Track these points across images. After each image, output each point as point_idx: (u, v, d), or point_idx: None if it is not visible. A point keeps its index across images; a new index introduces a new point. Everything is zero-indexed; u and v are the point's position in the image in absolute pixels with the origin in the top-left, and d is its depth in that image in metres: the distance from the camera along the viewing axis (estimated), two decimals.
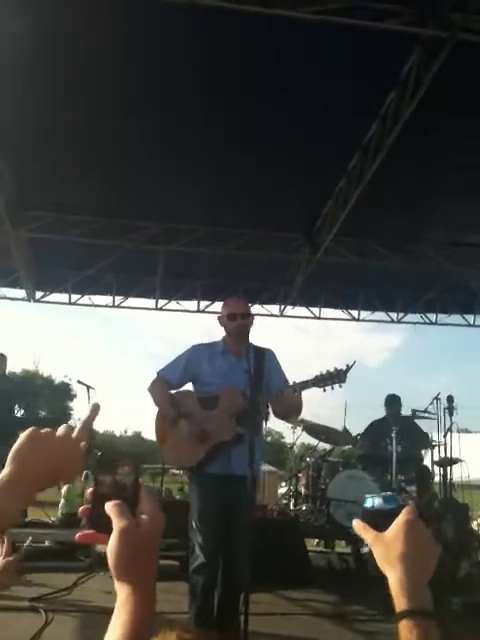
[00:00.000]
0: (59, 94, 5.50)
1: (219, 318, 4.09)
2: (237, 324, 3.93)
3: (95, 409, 1.15)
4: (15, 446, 1.04)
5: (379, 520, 1.22)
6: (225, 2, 4.25)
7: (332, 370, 3.61)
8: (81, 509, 1.03)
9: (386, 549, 1.06)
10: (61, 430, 1.08)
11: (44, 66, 5.15)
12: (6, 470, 1.01)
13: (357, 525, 1.15)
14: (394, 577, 1.02)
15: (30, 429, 1.06)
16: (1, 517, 0.99)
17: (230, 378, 3.86)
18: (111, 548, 0.92)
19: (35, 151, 6.35)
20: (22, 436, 1.05)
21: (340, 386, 3.61)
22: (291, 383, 3.75)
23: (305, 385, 3.67)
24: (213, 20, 4.52)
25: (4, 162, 6.39)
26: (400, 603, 0.99)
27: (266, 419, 4.00)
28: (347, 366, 3.63)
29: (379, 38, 4.59)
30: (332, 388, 3.62)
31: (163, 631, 0.97)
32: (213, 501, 3.76)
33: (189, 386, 4.10)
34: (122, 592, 0.92)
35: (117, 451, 1.02)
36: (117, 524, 0.92)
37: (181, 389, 4.04)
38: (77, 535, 1.02)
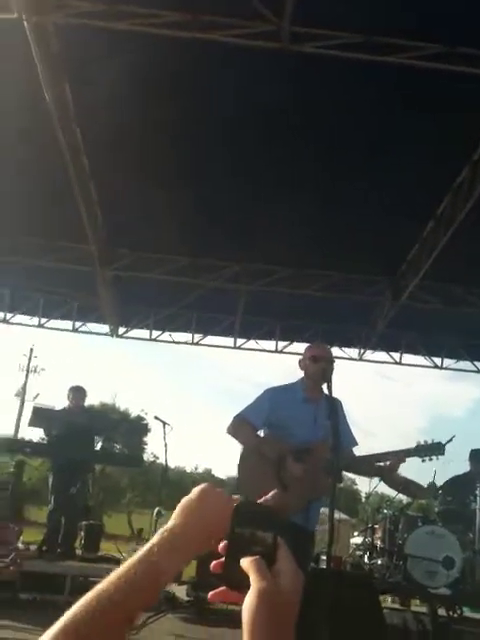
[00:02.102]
0: (147, 138, 5.70)
1: (300, 361, 4.04)
2: (320, 368, 3.86)
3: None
4: (183, 501, 1.00)
5: None
6: (322, 49, 4.29)
7: (431, 442, 3.75)
8: (213, 564, 0.95)
9: None
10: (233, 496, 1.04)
11: (133, 113, 5.38)
12: (170, 524, 0.97)
13: None
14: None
15: (204, 485, 1.03)
16: (159, 573, 0.93)
17: (312, 429, 3.81)
18: (248, 609, 0.83)
19: (125, 192, 6.56)
20: (194, 491, 1.02)
21: (437, 458, 3.75)
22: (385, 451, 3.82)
23: (407, 454, 3.75)
24: (314, 70, 4.60)
25: (97, 203, 6.62)
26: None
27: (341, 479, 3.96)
28: (447, 440, 3.86)
29: (474, 81, 4.51)
30: (430, 459, 3.75)
31: None
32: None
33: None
34: None
35: (255, 503, 0.98)
36: (255, 583, 0.85)
37: (272, 435, 3.92)
38: (209, 594, 0.94)
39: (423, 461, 3.79)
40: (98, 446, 8.98)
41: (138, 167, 6.12)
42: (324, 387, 3.82)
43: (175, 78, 4.94)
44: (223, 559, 0.91)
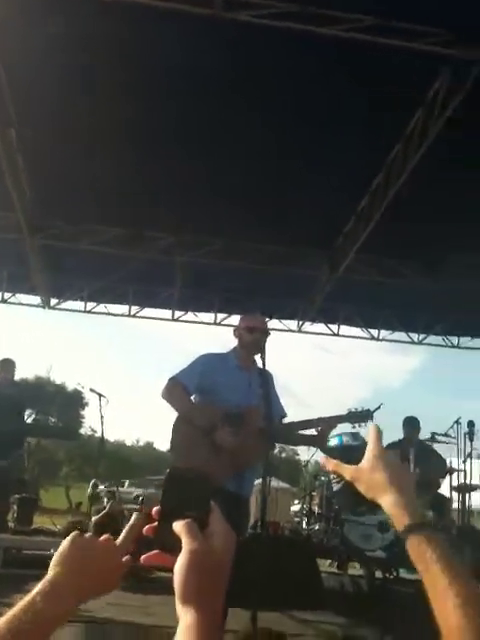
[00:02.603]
0: (78, 105, 5.52)
1: (235, 330, 4.05)
2: (254, 338, 3.86)
3: (141, 519, 1.12)
4: (60, 550, 1.02)
5: (346, 456, 1.28)
6: (254, 18, 4.22)
7: (361, 409, 3.88)
8: (146, 528, 0.97)
9: (370, 478, 1.11)
10: (103, 539, 1.06)
11: (63, 81, 5.18)
12: (50, 574, 0.99)
13: (329, 462, 1.21)
14: (389, 500, 1.06)
15: (73, 534, 1.04)
16: (44, 621, 0.95)
17: (247, 395, 3.80)
18: (179, 570, 0.86)
19: (53, 160, 6.35)
20: (66, 541, 1.03)
21: (366, 425, 3.87)
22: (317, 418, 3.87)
23: (338, 421, 3.88)
24: (236, 36, 4.51)
25: (24, 171, 6.39)
26: (402, 521, 1.02)
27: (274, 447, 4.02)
28: (376, 408, 3.95)
29: (406, 57, 4.53)
30: (360, 426, 3.90)
31: None
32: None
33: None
34: (187, 616, 0.84)
35: (186, 468, 0.97)
36: (187, 545, 0.87)
37: (206, 401, 3.89)
38: (142, 557, 0.95)
39: (354, 427, 3.93)
40: (31, 419, 8.82)
41: (71, 136, 5.93)
42: (257, 358, 3.84)
43: (105, 45, 4.75)
44: (156, 523, 0.93)
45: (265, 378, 3.76)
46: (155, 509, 0.95)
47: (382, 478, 1.09)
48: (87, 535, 1.05)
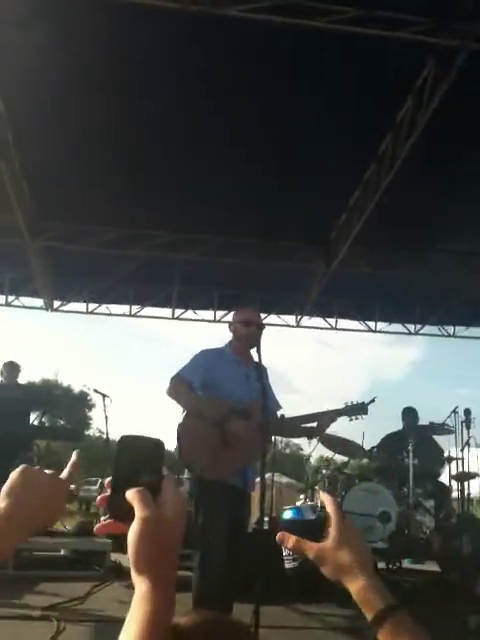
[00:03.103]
0: (78, 108, 5.59)
1: (231, 324, 4.10)
2: (250, 331, 3.90)
3: (77, 456, 1.13)
4: (8, 482, 1.01)
5: (304, 532, 1.15)
6: (240, 12, 4.28)
7: (356, 402, 4.04)
8: (99, 498, 0.99)
9: (335, 559, 1.04)
10: (50, 472, 1.05)
11: (59, 83, 5.24)
12: (1, 505, 0.98)
13: (289, 539, 1.10)
14: (359, 584, 1.00)
15: (22, 466, 1.04)
16: None
17: (247, 389, 3.85)
18: (131, 538, 0.86)
19: (52, 162, 6.42)
20: (14, 472, 1.02)
21: (362, 417, 4.04)
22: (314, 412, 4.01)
23: (336, 414, 4.00)
24: (225, 32, 4.57)
25: (22, 173, 6.47)
26: (376, 605, 0.98)
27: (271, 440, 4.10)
28: (370, 401, 4.10)
29: (394, 48, 4.59)
30: (356, 419, 4.04)
31: None
32: (228, 512, 3.70)
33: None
34: (141, 586, 0.86)
35: (138, 437, 0.95)
36: (139, 513, 0.87)
37: (211, 395, 3.91)
38: (95, 527, 0.99)
39: (351, 420, 4.04)
40: (38, 422, 8.87)
41: (66, 137, 5.99)
42: (253, 352, 3.88)
43: (100, 45, 4.81)
44: (108, 493, 0.93)
45: (260, 372, 3.79)
46: (108, 479, 0.95)
47: (348, 559, 1.03)
48: (35, 468, 1.04)
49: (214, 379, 3.89)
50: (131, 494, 0.89)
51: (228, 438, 3.72)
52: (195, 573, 3.69)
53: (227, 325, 4.19)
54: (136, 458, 0.92)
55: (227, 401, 3.81)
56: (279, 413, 4.10)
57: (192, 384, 3.88)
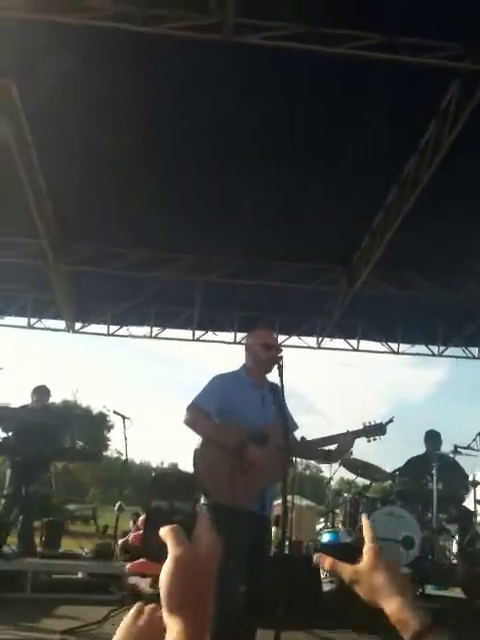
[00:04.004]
0: (101, 131, 5.67)
1: (250, 346, 4.02)
2: (272, 355, 3.84)
3: None
4: (125, 620, 1.01)
5: (341, 554, 1.21)
6: (261, 40, 4.33)
7: (374, 422, 4.01)
8: (132, 536, 0.98)
9: (370, 581, 1.07)
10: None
11: (83, 111, 5.36)
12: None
13: (326, 561, 1.14)
14: (395, 605, 1.02)
15: (136, 606, 1.03)
16: None
17: (262, 412, 3.84)
18: (165, 577, 0.84)
19: (76, 186, 6.52)
20: (130, 613, 1.02)
21: (380, 438, 4.03)
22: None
23: (355, 436, 3.97)
24: (251, 57, 4.62)
25: (47, 197, 6.56)
26: (411, 626, 0.99)
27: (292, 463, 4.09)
28: (388, 421, 4.09)
29: (418, 72, 4.62)
30: (374, 439, 4.03)
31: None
32: (245, 537, 3.64)
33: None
34: (173, 627, 0.83)
35: (171, 473, 0.94)
36: (172, 551, 0.85)
37: (228, 422, 3.86)
38: (128, 565, 0.97)
39: (369, 442, 4.03)
40: (64, 444, 8.90)
41: (90, 161, 6.08)
42: (270, 375, 3.87)
43: (124, 69, 4.89)
44: (142, 531, 0.91)
45: (276, 393, 3.77)
46: (141, 518, 0.93)
47: (383, 580, 1.05)
48: (148, 607, 1.02)
49: (230, 405, 3.84)
50: (164, 532, 0.87)
51: (245, 466, 3.69)
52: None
53: (244, 349, 4.11)
54: (169, 495, 0.91)
55: (244, 427, 3.77)
56: (296, 433, 4.05)
57: (209, 412, 3.83)
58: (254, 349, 3.97)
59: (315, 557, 1.14)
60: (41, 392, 7.59)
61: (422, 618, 1.00)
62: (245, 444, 3.70)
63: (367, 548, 1.10)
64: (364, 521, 1.19)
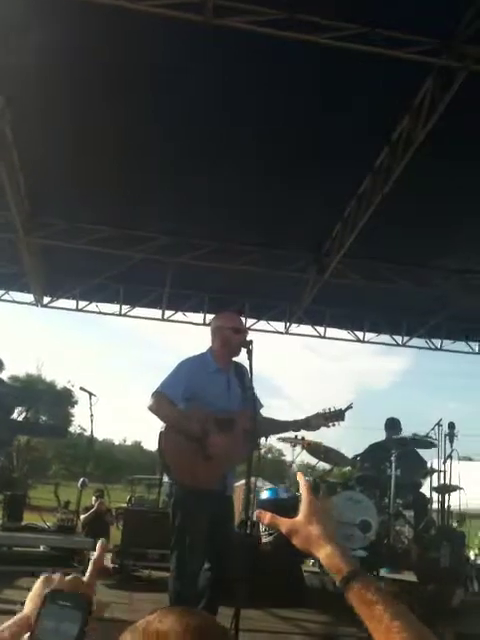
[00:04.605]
0: (74, 107, 5.62)
1: (219, 329, 4.04)
2: (242, 338, 3.90)
3: (103, 547, 1.13)
4: (33, 589, 1.03)
5: (278, 510, 1.30)
6: (241, 23, 4.34)
7: (334, 409, 4.10)
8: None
9: (306, 532, 1.16)
10: (70, 578, 1.05)
11: (59, 85, 5.29)
12: (24, 609, 1.00)
13: (265, 515, 1.25)
14: (326, 552, 1.12)
15: (43, 576, 1.05)
16: None
17: (227, 398, 3.92)
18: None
19: (50, 160, 6.44)
20: (37, 581, 1.04)
21: (339, 424, 4.13)
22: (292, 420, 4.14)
23: (316, 420, 4.11)
24: (230, 43, 4.64)
25: (20, 169, 6.49)
26: (341, 570, 1.08)
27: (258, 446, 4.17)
28: (346, 407, 4.18)
29: (394, 65, 4.66)
30: (333, 425, 4.12)
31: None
32: (205, 515, 3.75)
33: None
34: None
35: (66, 593, 0.93)
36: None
37: (194, 407, 3.90)
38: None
39: (328, 427, 4.14)
40: (21, 417, 8.84)
41: (64, 135, 6.01)
42: (239, 359, 3.97)
43: (100, 45, 4.84)
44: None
45: (241, 375, 3.89)
46: (27, 636, 0.95)
47: (317, 531, 1.15)
48: (55, 575, 1.04)
49: (196, 390, 3.89)
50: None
51: (207, 451, 3.76)
52: (171, 574, 3.78)
53: (211, 332, 4.13)
54: (58, 616, 0.92)
55: (210, 411, 3.83)
56: (261, 411, 4.11)
57: (174, 399, 3.86)
58: (224, 333, 4.00)
59: (256, 512, 1.24)
60: None
61: (352, 563, 1.09)
62: (207, 433, 3.76)
63: (303, 503, 1.20)
64: (299, 477, 1.29)
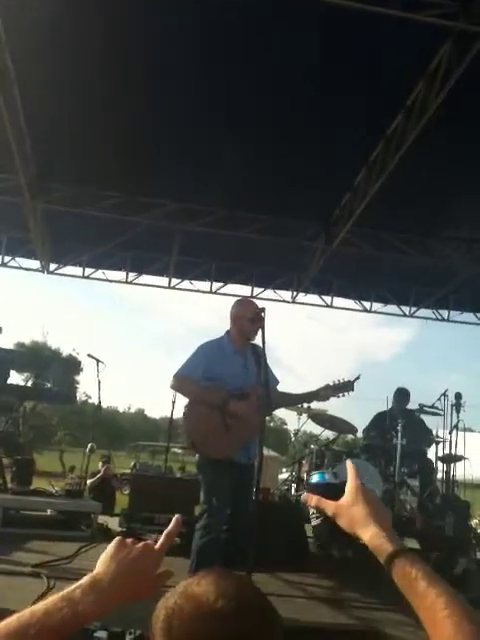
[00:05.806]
0: (82, 73, 5.54)
1: (237, 318, 4.28)
2: (257, 328, 4.04)
3: (178, 522, 1.23)
4: (106, 551, 1.10)
5: (327, 493, 1.34)
6: None
7: (343, 380, 4.32)
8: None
9: (351, 513, 1.20)
10: (142, 545, 1.12)
11: (66, 49, 5.21)
12: (95, 570, 1.06)
13: (312, 498, 1.30)
14: (370, 533, 1.14)
15: (117, 538, 1.12)
16: (77, 614, 1.01)
17: (244, 377, 4.19)
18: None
19: (57, 125, 6.37)
20: (111, 544, 1.11)
21: (348, 394, 4.31)
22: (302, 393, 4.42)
23: (325, 391, 4.33)
24: (242, 7, 4.54)
25: (27, 133, 6.42)
26: (385, 549, 1.10)
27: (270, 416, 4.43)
28: (355, 378, 4.34)
29: (410, 29, 4.55)
30: (342, 396, 4.31)
31: None
32: (229, 483, 4.05)
33: None
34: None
35: None
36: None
37: (212, 385, 4.20)
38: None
39: (337, 397, 4.33)
40: (29, 383, 8.88)
41: (73, 99, 5.93)
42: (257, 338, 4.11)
43: (107, 7, 4.75)
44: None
45: (257, 354, 4.11)
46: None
47: (362, 513, 1.18)
48: (128, 540, 1.12)
49: (214, 374, 4.20)
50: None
51: (229, 420, 4.07)
52: (196, 534, 4.08)
53: (229, 314, 4.39)
54: None
55: (226, 388, 4.15)
56: (278, 388, 4.36)
57: (193, 380, 4.22)
58: (241, 322, 4.25)
59: (303, 496, 1.27)
60: None
61: (397, 542, 1.11)
62: (227, 401, 4.09)
63: (349, 486, 1.23)
64: (348, 464, 1.31)
